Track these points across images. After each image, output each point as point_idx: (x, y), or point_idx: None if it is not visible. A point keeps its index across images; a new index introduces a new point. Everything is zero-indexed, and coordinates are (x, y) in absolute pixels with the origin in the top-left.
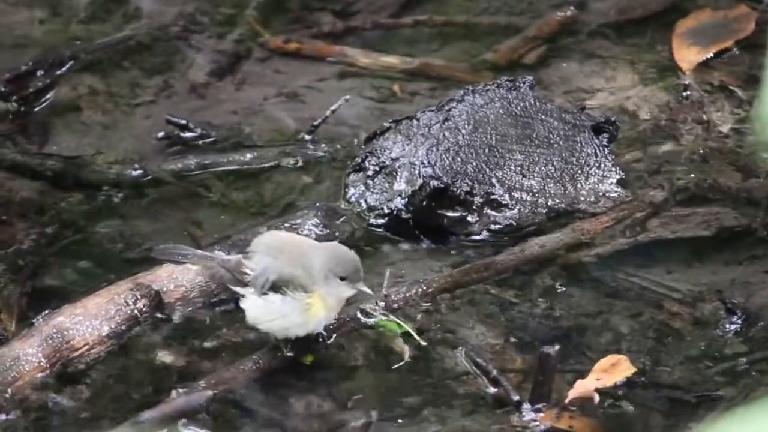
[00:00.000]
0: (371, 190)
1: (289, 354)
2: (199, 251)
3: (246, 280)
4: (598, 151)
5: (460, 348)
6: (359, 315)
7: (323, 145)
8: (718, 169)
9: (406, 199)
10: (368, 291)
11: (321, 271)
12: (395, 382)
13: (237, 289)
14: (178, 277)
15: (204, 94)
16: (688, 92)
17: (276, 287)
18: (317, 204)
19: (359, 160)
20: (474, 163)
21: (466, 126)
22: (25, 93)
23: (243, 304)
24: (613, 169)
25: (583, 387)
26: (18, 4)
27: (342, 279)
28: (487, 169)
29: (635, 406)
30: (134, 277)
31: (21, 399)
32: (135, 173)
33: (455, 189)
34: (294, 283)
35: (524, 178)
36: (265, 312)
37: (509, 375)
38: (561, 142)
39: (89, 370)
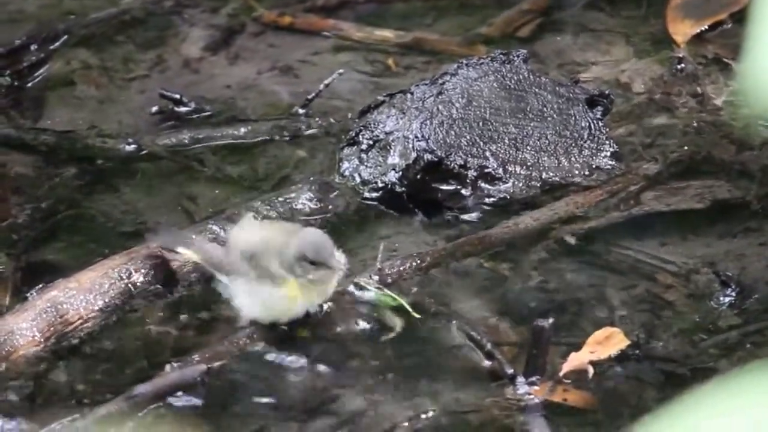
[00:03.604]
0: (365, 164)
1: (283, 328)
2: (199, 241)
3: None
4: (592, 125)
5: (454, 321)
6: (353, 289)
7: (317, 119)
8: (712, 142)
9: (400, 173)
10: (341, 266)
11: (293, 260)
12: (389, 355)
13: (222, 277)
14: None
15: (198, 68)
16: (683, 65)
17: (256, 274)
18: (311, 178)
19: (353, 134)
20: (468, 137)
21: (460, 100)
22: (19, 67)
23: (231, 291)
24: (607, 142)
25: (577, 360)
26: None
27: (313, 263)
28: (481, 143)
29: (629, 378)
30: (128, 251)
31: (15, 373)
32: (129, 148)
33: (449, 163)
34: (268, 271)
35: (518, 152)
36: (249, 299)
37: (503, 348)
38: (555, 116)
39: (83, 345)
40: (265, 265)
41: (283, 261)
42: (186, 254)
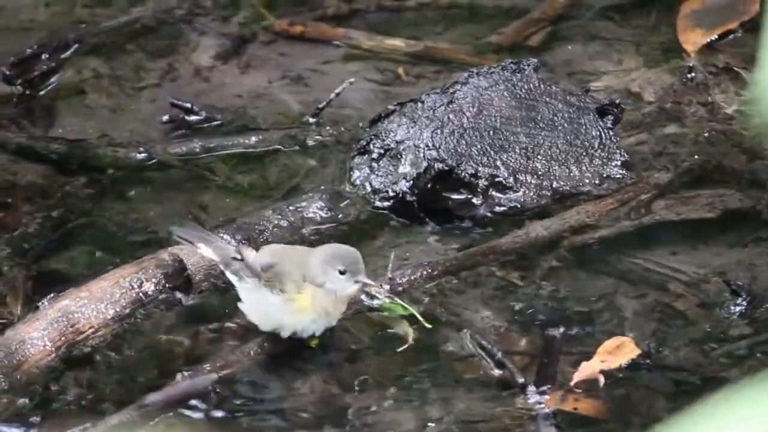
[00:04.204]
0: (376, 173)
1: (292, 337)
2: (219, 241)
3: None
4: (602, 134)
5: (465, 330)
6: (364, 298)
7: (328, 128)
8: (723, 151)
9: (411, 182)
10: (371, 282)
11: (318, 266)
12: (400, 364)
13: (236, 281)
14: (183, 261)
15: (209, 77)
16: (693, 74)
17: (269, 282)
18: (322, 187)
19: (364, 143)
20: (479, 146)
21: (471, 108)
22: (30, 76)
23: (241, 296)
24: (618, 151)
25: (588, 369)
26: None
27: (342, 273)
28: (492, 152)
29: (640, 387)
30: (139, 260)
31: (26, 382)
32: (140, 156)
33: (460, 171)
34: (285, 278)
35: (529, 161)
36: (255, 305)
37: (514, 357)
38: (565, 125)
39: (94, 354)
40: (286, 273)
41: (306, 271)
42: (204, 251)
